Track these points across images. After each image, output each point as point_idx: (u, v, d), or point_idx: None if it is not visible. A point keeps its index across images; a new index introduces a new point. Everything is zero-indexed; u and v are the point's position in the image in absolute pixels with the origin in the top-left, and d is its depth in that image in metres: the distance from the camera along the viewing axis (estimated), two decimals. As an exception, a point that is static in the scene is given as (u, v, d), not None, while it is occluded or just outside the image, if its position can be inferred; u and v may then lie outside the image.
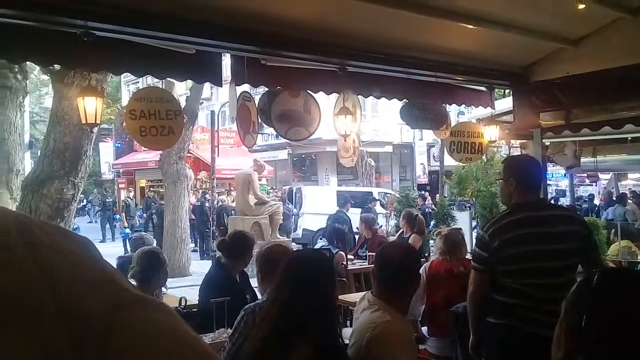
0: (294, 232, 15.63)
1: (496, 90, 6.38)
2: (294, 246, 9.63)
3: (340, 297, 4.44)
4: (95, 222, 26.55)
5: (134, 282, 3.29)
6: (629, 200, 13.43)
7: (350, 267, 6.77)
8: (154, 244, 5.73)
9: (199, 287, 4.48)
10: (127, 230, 16.56)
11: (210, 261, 13.47)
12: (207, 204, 16.52)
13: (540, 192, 3.41)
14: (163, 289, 4.62)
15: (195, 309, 4.24)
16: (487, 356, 3.35)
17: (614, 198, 14.62)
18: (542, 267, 3.02)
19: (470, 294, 3.25)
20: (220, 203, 16.83)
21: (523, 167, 3.37)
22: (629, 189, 20.92)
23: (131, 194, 22.43)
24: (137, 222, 19.19)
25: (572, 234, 3.10)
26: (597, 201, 20.67)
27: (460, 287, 3.69)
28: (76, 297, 0.53)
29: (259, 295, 3.57)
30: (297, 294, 2.26)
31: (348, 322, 4.91)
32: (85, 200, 28.10)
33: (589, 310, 1.00)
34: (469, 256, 4.49)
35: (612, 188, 17.66)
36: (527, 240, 3.07)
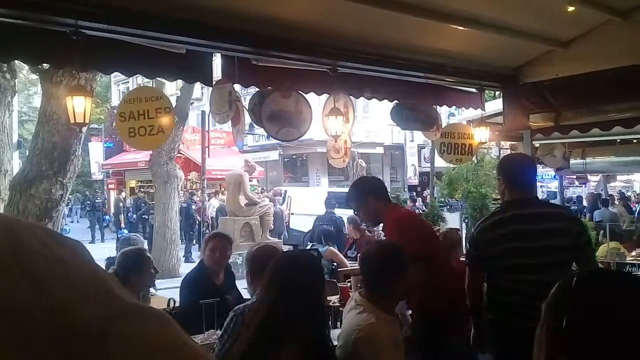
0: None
1: (486, 92, 6.41)
2: (285, 247, 9.61)
3: (329, 298, 4.42)
4: (78, 221, 26.47)
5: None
6: (616, 202, 13.47)
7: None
8: (145, 245, 5.68)
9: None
10: (125, 231, 16.40)
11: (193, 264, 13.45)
12: (193, 206, 16.36)
13: (532, 190, 3.43)
14: (152, 290, 4.59)
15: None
16: (487, 351, 3.41)
17: (599, 202, 14.69)
18: (530, 264, 3.05)
19: (466, 288, 3.36)
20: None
21: (511, 166, 3.46)
22: (619, 190, 21.04)
23: (125, 195, 22.21)
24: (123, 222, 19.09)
25: (561, 231, 3.13)
26: (585, 203, 20.79)
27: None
28: (66, 306, 0.51)
29: (246, 297, 3.55)
30: (285, 294, 2.26)
31: (338, 324, 4.89)
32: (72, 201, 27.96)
33: (569, 312, 0.99)
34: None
35: (602, 190, 17.77)
36: (512, 237, 3.12)
